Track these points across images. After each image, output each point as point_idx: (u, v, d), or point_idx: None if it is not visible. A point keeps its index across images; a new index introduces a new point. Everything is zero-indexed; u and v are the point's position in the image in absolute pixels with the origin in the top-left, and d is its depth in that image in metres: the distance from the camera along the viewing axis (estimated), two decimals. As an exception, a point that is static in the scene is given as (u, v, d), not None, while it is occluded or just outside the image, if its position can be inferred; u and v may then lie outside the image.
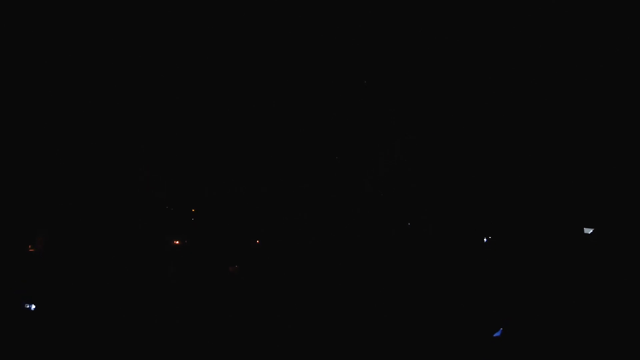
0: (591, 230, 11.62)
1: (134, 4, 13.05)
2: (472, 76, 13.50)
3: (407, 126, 14.45)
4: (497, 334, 5.65)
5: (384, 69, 13.92)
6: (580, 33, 12.40)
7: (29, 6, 12.38)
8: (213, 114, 14.98)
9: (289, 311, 7.21)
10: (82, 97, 13.64)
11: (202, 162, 15.65)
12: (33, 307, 6.78)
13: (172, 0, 13.29)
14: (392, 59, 13.72)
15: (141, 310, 6.98)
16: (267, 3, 13.34)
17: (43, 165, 13.30)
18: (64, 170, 13.65)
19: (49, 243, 11.10)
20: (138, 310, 6.97)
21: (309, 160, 15.33)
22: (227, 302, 7.91)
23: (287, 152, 15.34)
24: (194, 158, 15.53)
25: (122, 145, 14.62)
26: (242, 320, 6.71)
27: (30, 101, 13.03)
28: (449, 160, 14.58)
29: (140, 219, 15.47)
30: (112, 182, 14.83)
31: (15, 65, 12.68)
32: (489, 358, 5.67)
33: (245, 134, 15.25)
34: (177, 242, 14.23)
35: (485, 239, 13.34)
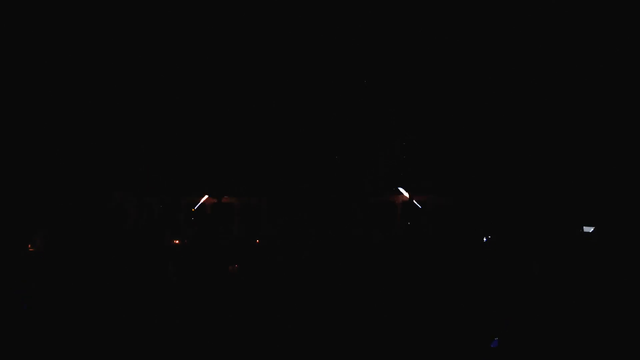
0: (591, 229, 11.63)
1: (134, 4, 13.08)
2: (472, 76, 13.51)
3: (407, 126, 14.46)
4: (493, 345, 5.67)
5: (384, 69, 13.93)
6: (580, 33, 12.42)
7: (28, 6, 12.40)
8: (213, 114, 15.00)
9: (289, 311, 7.22)
10: (82, 97, 13.66)
11: (202, 162, 15.67)
12: (33, 307, 6.80)
13: (172, 0, 13.32)
14: (392, 59, 13.73)
15: (141, 310, 6.99)
16: (267, 3, 13.35)
17: (43, 166, 13.31)
18: (64, 170, 13.67)
19: (49, 243, 11.11)
20: (138, 309, 6.98)
21: (309, 160, 15.35)
22: (227, 301, 7.92)
23: (287, 152, 15.36)
24: (194, 158, 15.55)
25: (122, 145, 14.64)
26: (242, 320, 6.71)
27: (30, 101, 13.04)
28: (448, 160, 14.59)
29: (140, 219, 15.50)
30: (112, 182, 14.86)
31: (16, 65, 12.70)
32: (488, 358, 5.68)
33: (245, 134, 15.27)
34: (177, 242, 14.26)
35: (485, 239, 13.35)
